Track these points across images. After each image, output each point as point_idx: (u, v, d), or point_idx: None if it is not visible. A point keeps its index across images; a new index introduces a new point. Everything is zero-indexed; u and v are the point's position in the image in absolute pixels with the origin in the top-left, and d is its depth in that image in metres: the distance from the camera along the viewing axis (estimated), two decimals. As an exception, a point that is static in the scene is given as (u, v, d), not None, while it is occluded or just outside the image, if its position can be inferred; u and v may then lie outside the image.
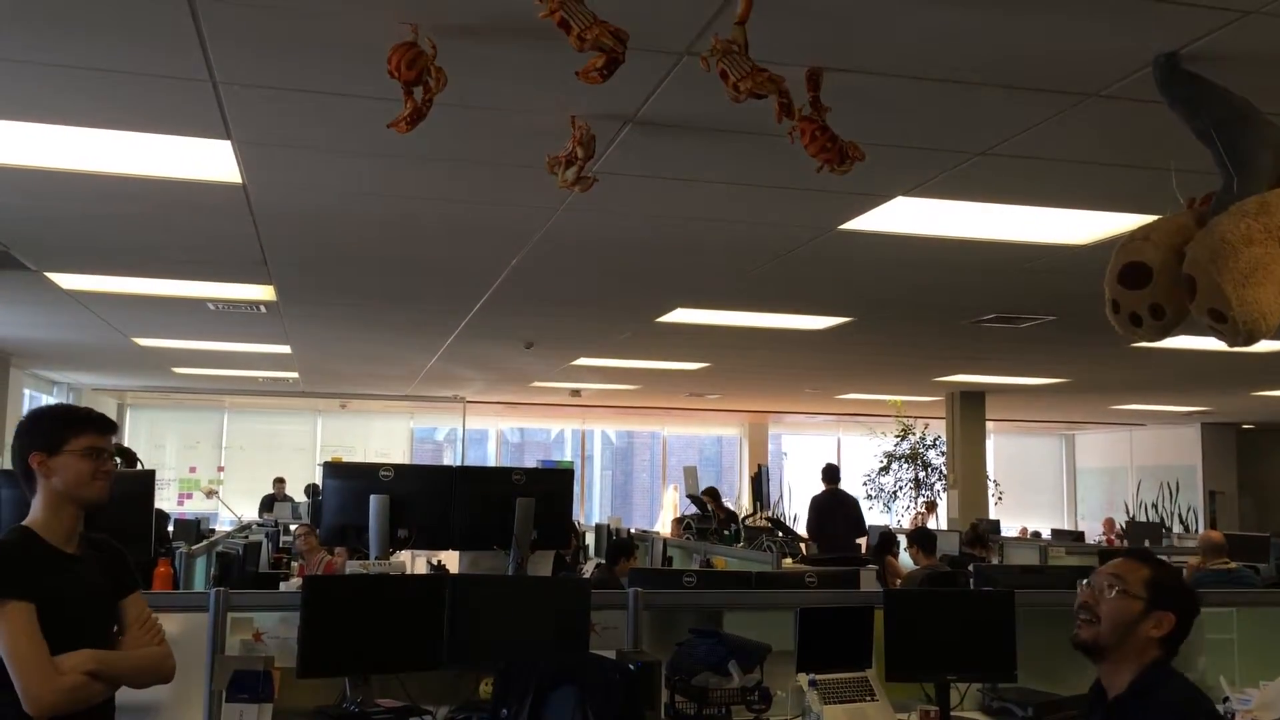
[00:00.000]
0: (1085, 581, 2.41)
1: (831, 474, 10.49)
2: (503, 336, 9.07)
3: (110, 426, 2.59)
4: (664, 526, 14.67)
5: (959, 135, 3.66)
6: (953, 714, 3.87)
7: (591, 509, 19.03)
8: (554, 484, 4.74)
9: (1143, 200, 4.35)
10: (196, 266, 6.28)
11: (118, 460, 2.64)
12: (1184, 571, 6.36)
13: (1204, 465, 17.49)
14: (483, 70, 3.14)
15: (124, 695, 2.58)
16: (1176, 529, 16.22)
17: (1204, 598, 5.14)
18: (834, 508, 10.13)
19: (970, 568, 6.12)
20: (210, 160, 4.09)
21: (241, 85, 3.33)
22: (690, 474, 11.90)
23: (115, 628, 2.54)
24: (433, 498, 4.47)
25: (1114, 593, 2.33)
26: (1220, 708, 4.01)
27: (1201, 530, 13.47)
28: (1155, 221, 2.87)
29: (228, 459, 16.60)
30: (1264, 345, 2.67)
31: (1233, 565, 7.10)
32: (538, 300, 7.19)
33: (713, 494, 10.66)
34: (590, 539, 10.46)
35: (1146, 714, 2.25)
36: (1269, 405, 13.89)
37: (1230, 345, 2.64)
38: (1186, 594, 2.38)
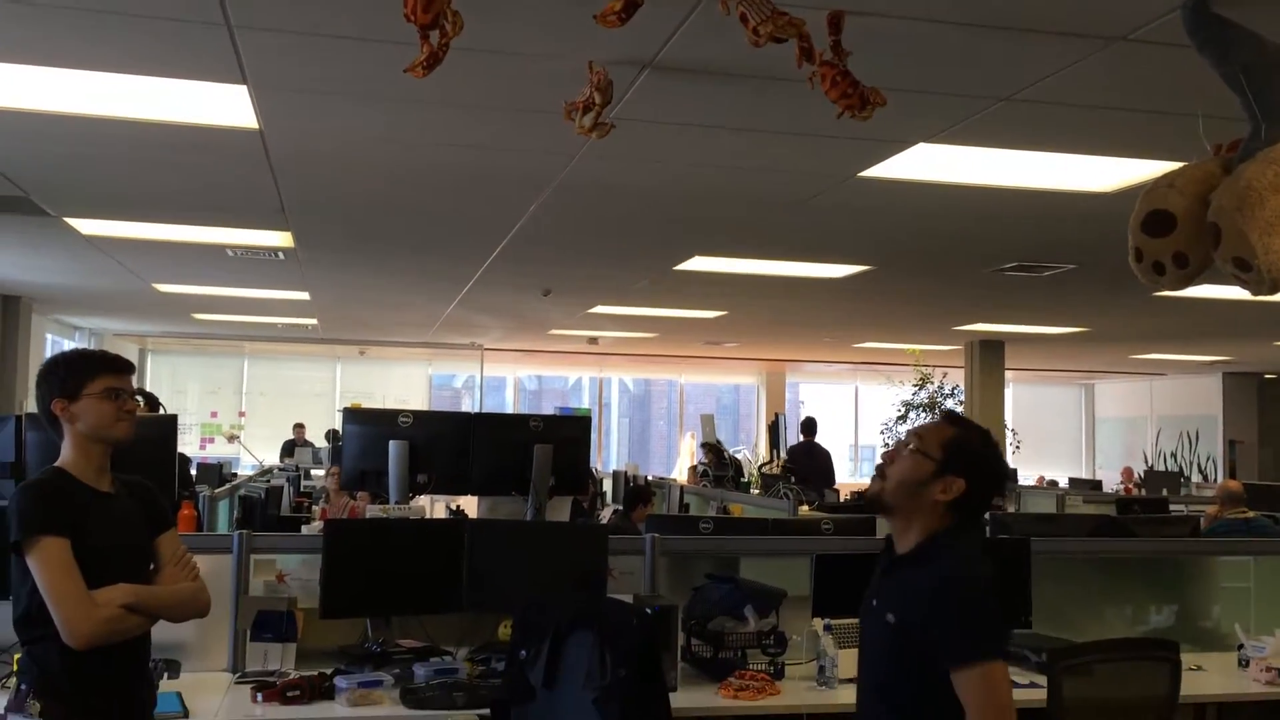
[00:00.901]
0: (898, 441, 2.34)
1: (808, 426, 11.36)
2: (520, 284, 9.07)
3: (127, 366, 2.62)
4: (681, 474, 14.76)
5: (982, 80, 3.60)
6: (966, 659, 3.89)
7: (609, 456, 19.13)
8: (572, 431, 4.77)
9: (1168, 147, 4.28)
10: (214, 212, 6.29)
11: (140, 400, 2.68)
12: (1201, 520, 6.36)
13: (1225, 415, 17.40)
14: (500, 14, 3.11)
15: (153, 633, 2.64)
16: (1195, 478, 16.19)
17: (1221, 546, 5.18)
18: (807, 460, 10.87)
19: (986, 515, 6.13)
20: (227, 105, 4.08)
21: (257, 29, 3.30)
22: (707, 422, 11.94)
23: (150, 565, 2.59)
24: (452, 443, 4.51)
25: (908, 450, 2.26)
26: (1235, 655, 4.05)
27: (1220, 480, 13.43)
28: (1181, 168, 2.82)
29: (248, 404, 16.74)
30: (1288, 294, 2.63)
31: (1250, 514, 7.08)
32: (555, 247, 7.17)
33: (714, 449, 10.70)
34: (608, 485, 10.54)
35: (917, 580, 2.19)
36: (1292, 355, 13.78)
37: (1255, 294, 2.60)
38: (985, 462, 2.26)
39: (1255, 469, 16.50)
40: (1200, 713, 4.14)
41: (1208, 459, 17.45)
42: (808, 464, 10.92)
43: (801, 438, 11.51)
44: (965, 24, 3.10)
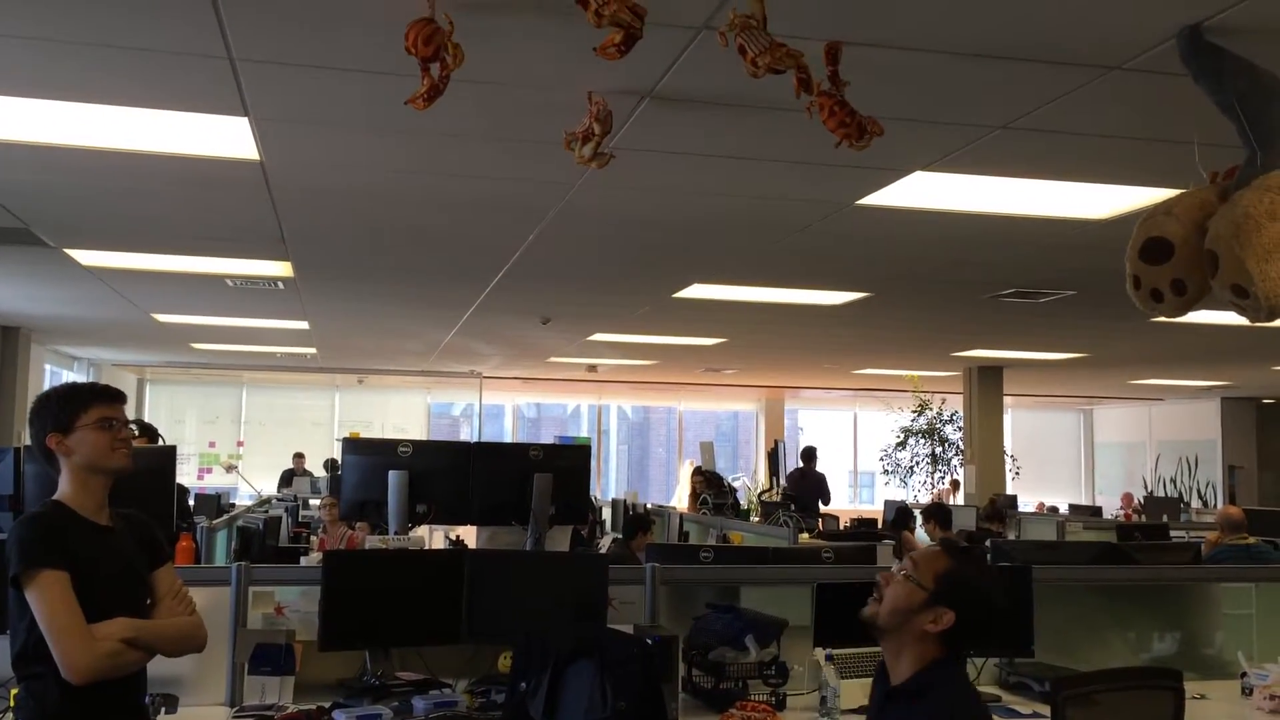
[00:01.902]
0: (897, 561, 2.35)
1: (808, 455, 12.26)
2: (519, 312, 9.08)
3: (118, 396, 2.60)
4: (680, 502, 14.72)
5: (979, 109, 3.62)
6: (969, 689, 3.87)
7: (608, 484, 19.09)
8: (571, 459, 4.77)
9: (1165, 174, 4.30)
10: (214, 243, 6.30)
11: (134, 429, 2.66)
12: (1202, 547, 6.34)
13: (1224, 440, 17.40)
14: (500, 46, 3.13)
15: (150, 668, 2.62)
16: (1195, 504, 16.17)
17: (1223, 573, 5.15)
18: (801, 483, 11.93)
19: (987, 543, 6.11)
20: (228, 137, 4.10)
21: (259, 62, 3.33)
22: (706, 449, 11.92)
23: (148, 600, 2.57)
24: (451, 473, 4.51)
25: (901, 576, 2.25)
26: (1239, 683, 4.02)
27: (1220, 505, 13.41)
28: (1178, 196, 2.84)
29: (247, 434, 16.73)
30: (1286, 321, 2.64)
31: (1251, 540, 7.07)
32: (554, 276, 7.19)
33: (708, 478, 10.69)
34: (607, 514, 10.50)
35: (917, 713, 2.18)
36: (1290, 380, 13.79)
37: (1252, 321, 2.61)
38: (976, 597, 2.24)
39: (1255, 494, 16.48)
40: (1205, 742, 4.11)
41: (1207, 484, 17.43)
42: (802, 486, 11.84)
43: (801, 464, 12.25)
44: (961, 54, 3.12)
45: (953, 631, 2.19)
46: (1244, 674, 4.03)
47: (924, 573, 2.23)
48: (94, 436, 2.49)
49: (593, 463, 15.84)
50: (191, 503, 7.75)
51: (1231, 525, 7.20)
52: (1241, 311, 2.61)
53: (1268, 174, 2.59)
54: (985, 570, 2.30)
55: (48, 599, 2.32)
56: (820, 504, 11.75)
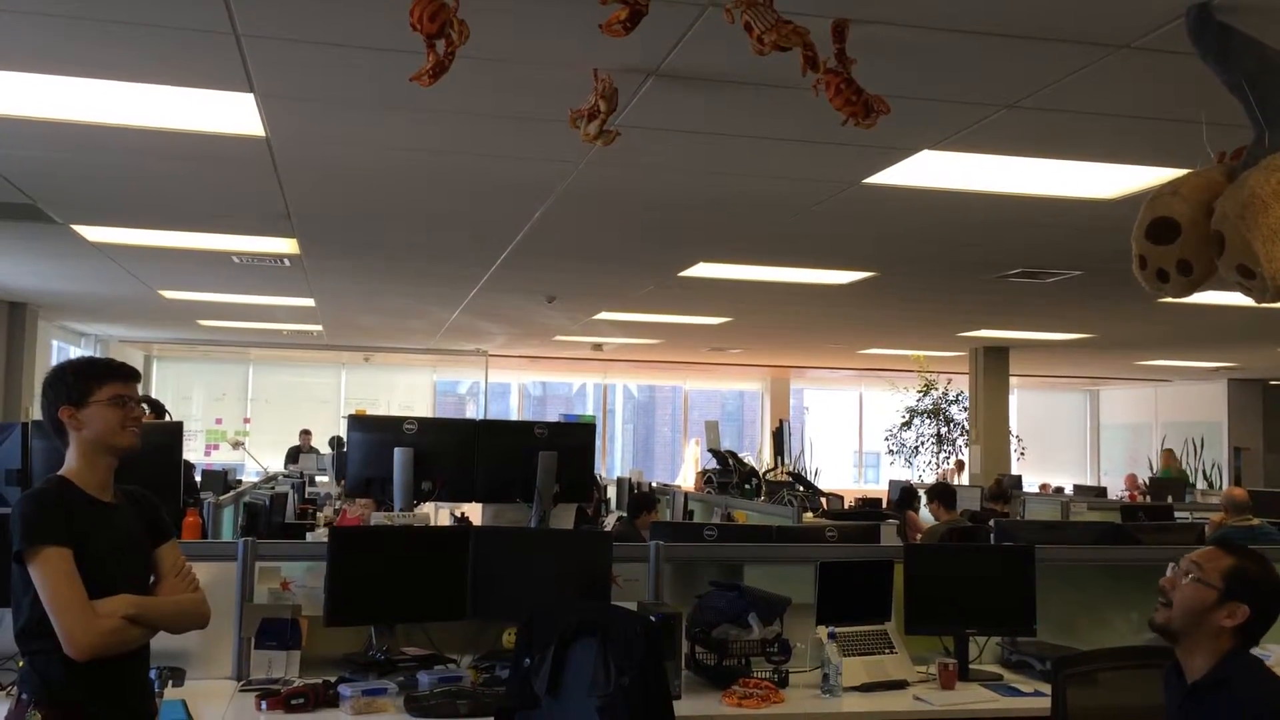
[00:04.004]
0: (1171, 564, 2.42)
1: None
2: (525, 290, 9.08)
3: (133, 375, 2.60)
4: (685, 480, 14.76)
5: (986, 88, 3.60)
6: (971, 667, 3.90)
7: (613, 462, 19.13)
8: (576, 438, 4.78)
9: (1172, 154, 4.28)
10: (220, 220, 6.30)
11: (145, 408, 2.67)
12: (1206, 528, 6.35)
13: (1230, 421, 17.38)
14: (505, 23, 3.12)
15: (156, 643, 2.64)
16: (1200, 485, 16.16)
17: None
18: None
19: (991, 523, 6.13)
20: (233, 114, 4.10)
21: (264, 38, 3.32)
22: (712, 428, 11.93)
23: (151, 577, 2.59)
24: (456, 451, 4.51)
25: (1189, 579, 2.34)
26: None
27: (1226, 487, 13.41)
28: (1184, 176, 2.82)
29: (253, 411, 16.78)
30: (1293, 301, 2.63)
31: (1255, 521, 7.07)
32: (560, 254, 7.18)
33: (721, 456, 10.71)
34: (612, 492, 10.53)
35: (1230, 703, 2.26)
36: (1297, 362, 13.75)
37: (1258, 302, 2.61)
38: (1266, 588, 2.35)
39: (1261, 476, 16.47)
40: (1206, 721, 4.12)
41: (1213, 466, 17.41)
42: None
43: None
44: (969, 32, 3.11)
45: (1247, 624, 2.32)
46: (1245, 654, 4.04)
47: (1210, 573, 2.34)
48: (106, 413, 2.49)
49: (598, 441, 15.88)
50: (198, 479, 7.78)
51: (1236, 507, 7.20)
52: (1247, 292, 2.60)
53: (1275, 154, 2.57)
54: (1265, 561, 2.40)
55: (51, 575, 2.34)
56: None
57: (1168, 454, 15.07)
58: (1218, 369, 15.82)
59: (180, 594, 2.58)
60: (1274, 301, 2.58)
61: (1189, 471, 17.23)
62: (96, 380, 2.51)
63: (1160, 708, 3.07)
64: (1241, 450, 17.23)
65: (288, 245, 7.06)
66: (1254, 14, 2.82)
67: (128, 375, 2.58)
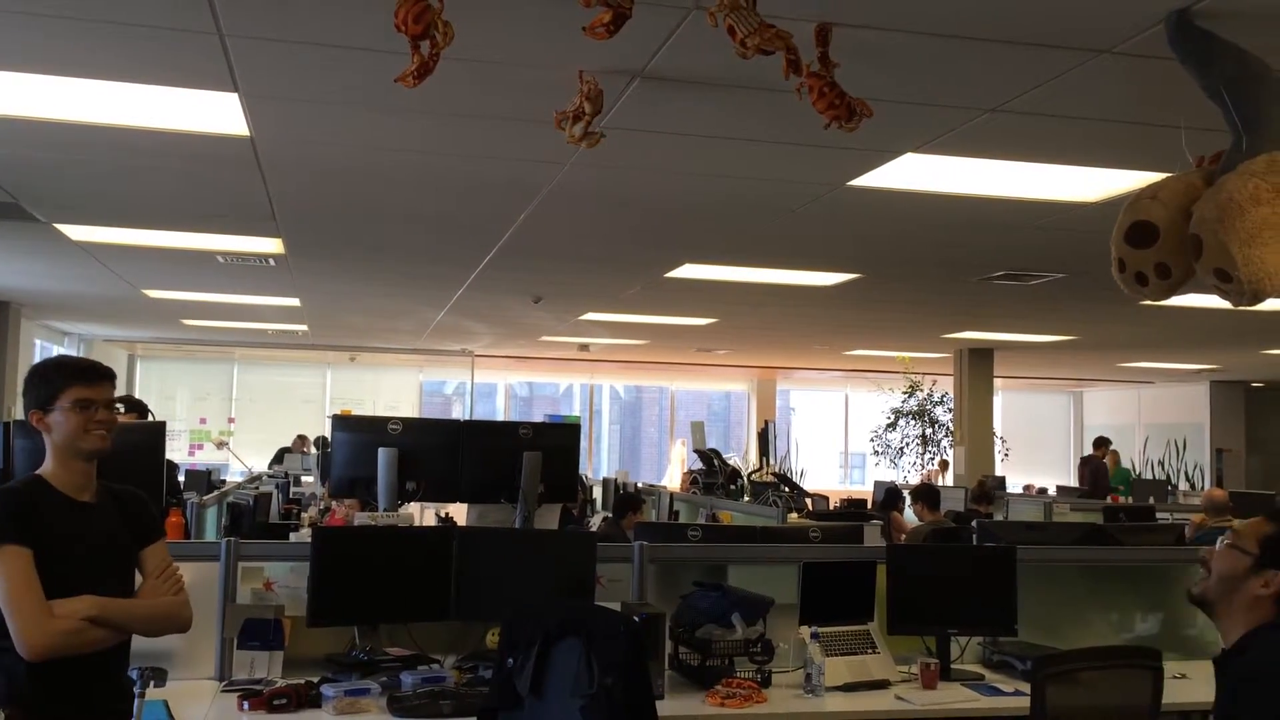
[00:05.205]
0: (1221, 538, 2.38)
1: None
2: (511, 291, 9.08)
3: (100, 376, 2.55)
4: (671, 481, 14.77)
5: (969, 92, 3.63)
6: (953, 666, 3.92)
7: (599, 463, 19.13)
8: (561, 438, 4.78)
9: (1152, 158, 4.32)
10: (205, 219, 6.29)
11: (120, 408, 2.66)
12: (1186, 529, 6.39)
13: (1212, 423, 17.49)
14: (490, 24, 3.12)
15: (138, 643, 2.63)
16: (1183, 486, 16.26)
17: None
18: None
19: (974, 523, 6.16)
20: (218, 113, 4.09)
21: (248, 38, 3.32)
22: (698, 429, 11.95)
23: (132, 577, 2.58)
24: (441, 451, 4.51)
25: (1224, 547, 2.30)
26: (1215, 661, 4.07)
27: (1207, 488, 13.51)
28: (1164, 180, 2.85)
29: (238, 410, 16.71)
30: (1274, 303, 2.67)
31: (1235, 523, 7.12)
32: (546, 255, 7.19)
33: (708, 457, 10.73)
34: (597, 493, 10.54)
35: (1243, 669, 2.20)
36: (1278, 364, 13.85)
37: (1235, 305, 2.63)
38: None
39: (1242, 477, 16.58)
40: (1184, 720, 4.16)
41: (1195, 467, 17.52)
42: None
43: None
44: (952, 36, 3.13)
45: None
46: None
47: (1247, 539, 2.29)
48: (70, 418, 2.47)
49: (584, 442, 15.88)
50: (181, 479, 7.75)
51: (1216, 508, 7.27)
52: (1225, 295, 2.63)
53: (1252, 159, 2.60)
54: None
55: (8, 574, 2.32)
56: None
57: (1112, 455, 15.18)
58: (1200, 371, 15.92)
59: (160, 596, 2.56)
60: (1251, 304, 2.60)
61: (1171, 472, 17.34)
62: (61, 384, 2.49)
63: (1138, 706, 3.10)
64: (1223, 452, 17.34)
65: (273, 245, 7.04)
66: (1233, 20, 2.85)
67: (93, 377, 2.53)
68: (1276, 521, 2.33)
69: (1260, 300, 2.55)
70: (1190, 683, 3.95)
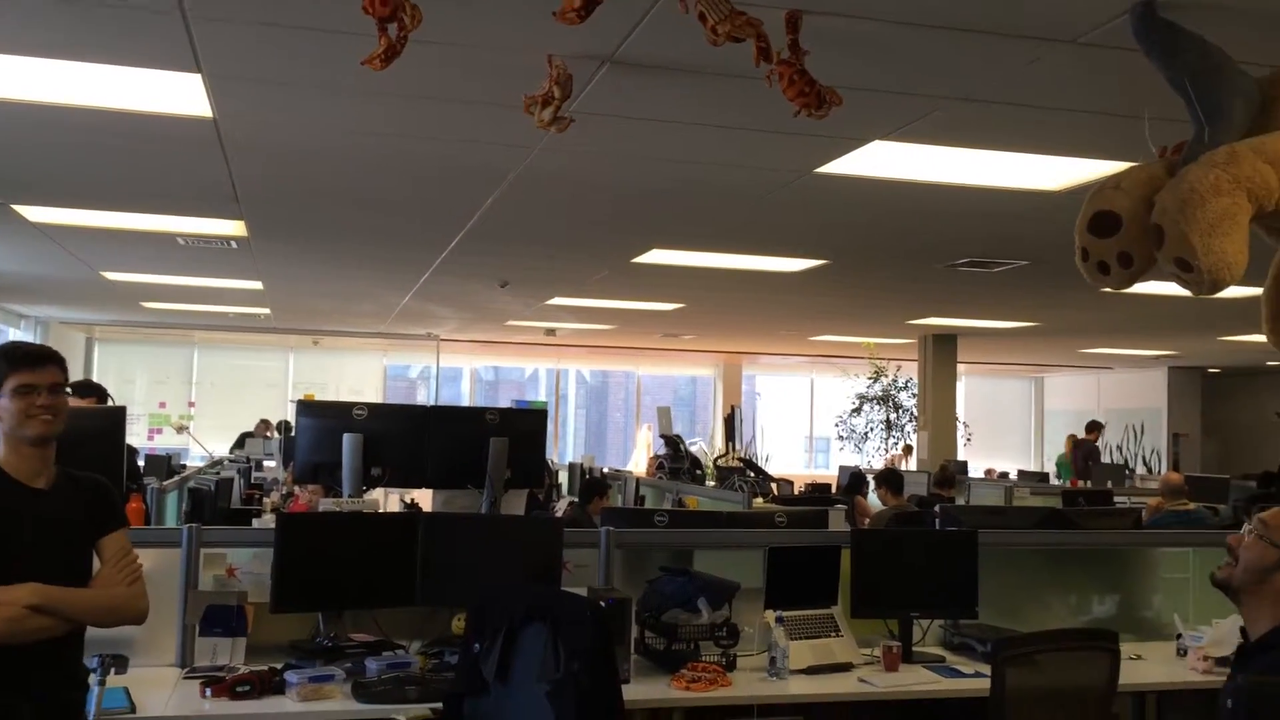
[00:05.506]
0: (1246, 523, 2.39)
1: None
2: (478, 275, 9.03)
3: (43, 360, 2.53)
4: (637, 466, 14.79)
5: (937, 80, 3.65)
6: (915, 649, 3.97)
7: (565, 448, 19.12)
8: (528, 424, 4.78)
9: (1117, 148, 4.36)
10: (166, 201, 6.20)
11: (68, 391, 2.61)
12: (1143, 512, 6.50)
13: (1169, 408, 17.78)
14: (459, 7, 3.10)
15: (100, 629, 2.60)
16: (1141, 470, 16.53)
17: (1162, 538, 5.28)
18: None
19: (936, 508, 6.23)
20: (180, 94, 4.02)
21: (212, 19, 3.26)
22: (664, 414, 11.97)
23: (91, 564, 2.55)
24: (407, 437, 4.50)
25: (1253, 537, 2.31)
26: (1174, 644, 4.15)
27: (1164, 472, 13.75)
28: (1127, 170, 2.88)
29: (198, 395, 16.52)
30: (1231, 291, 2.70)
31: (1191, 506, 7.26)
32: (513, 240, 7.15)
33: (673, 442, 10.75)
34: (564, 478, 10.54)
35: (1268, 664, 2.21)
36: (1235, 350, 14.09)
37: (1195, 294, 2.67)
38: None
39: (1198, 461, 16.87)
40: (1140, 701, 4.24)
41: (1152, 452, 17.80)
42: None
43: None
44: (921, 25, 3.14)
45: None
46: (1179, 636, 4.16)
47: (1275, 531, 2.29)
48: (12, 404, 2.45)
49: (550, 426, 15.85)
50: (141, 464, 7.66)
51: (1172, 491, 7.39)
52: (1185, 285, 2.66)
53: (1214, 150, 2.63)
54: None
55: None
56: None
57: (1069, 440, 15.45)
58: (1158, 357, 16.16)
59: (113, 586, 2.53)
60: (1210, 293, 2.64)
61: (1129, 457, 17.62)
62: (4, 371, 2.46)
63: (1095, 687, 3.16)
64: (1180, 436, 17.64)
65: (235, 227, 6.96)
66: (1197, 11, 2.88)
67: (35, 362, 2.50)
68: None
69: (1219, 289, 2.58)
70: (1146, 664, 4.02)
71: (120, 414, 4.41)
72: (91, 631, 2.61)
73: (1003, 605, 4.28)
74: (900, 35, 3.22)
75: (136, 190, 5.89)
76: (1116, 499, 8.87)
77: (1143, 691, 4.05)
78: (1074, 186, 5.01)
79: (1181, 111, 2.81)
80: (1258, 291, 3.11)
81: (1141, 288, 5.72)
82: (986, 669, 3.19)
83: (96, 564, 2.59)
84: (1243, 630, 2.35)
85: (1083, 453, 14.06)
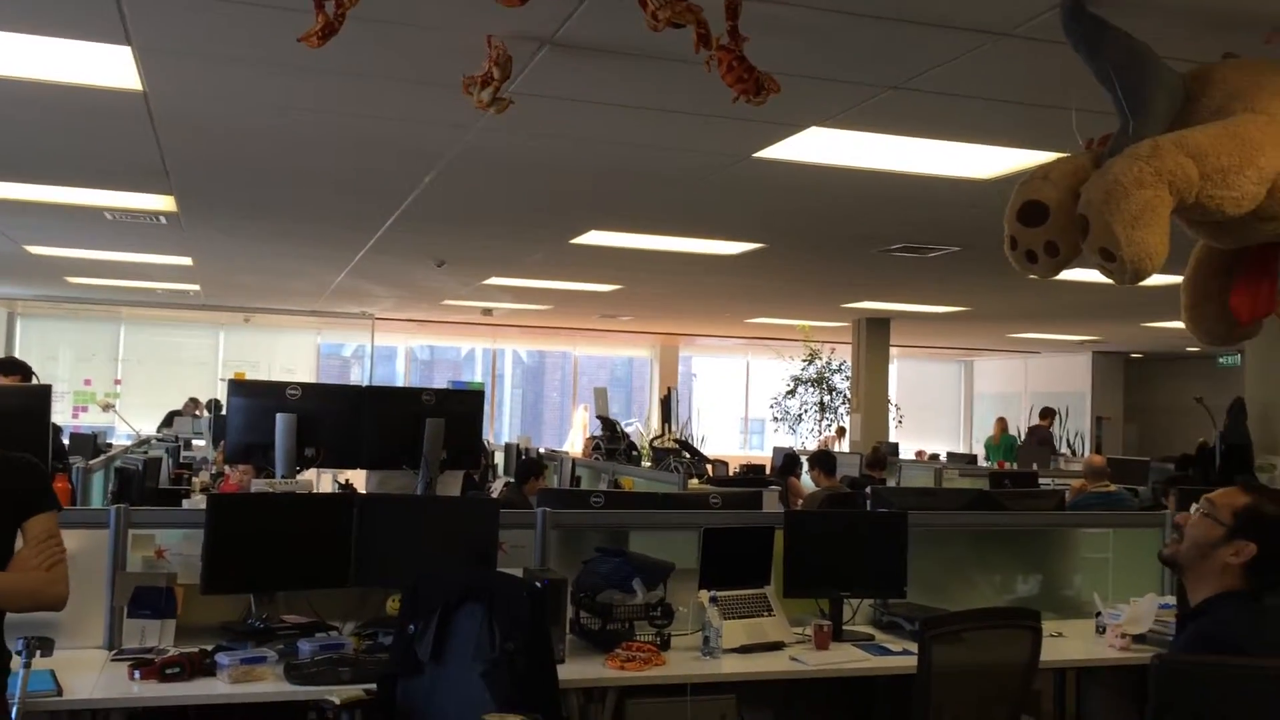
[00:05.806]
0: (1194, 504, 2.47)
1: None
2: (414, 254, 8.95)
3: None
4: (573, 447, 14.81)
5: (872, 69, 3.70)
6: (845, 628, 4.05)
7: (501, 428, 19.05)
8: (464, 405, 4.76)
9: (1046, 139, 4.46)
10: (93, 175, 6.04)
11: None
12: (1066, 494, 6.68)
13: (1093, 392, 18.25)
14: (396, -17, 3.06)
15: (26, 611, 2.55)
16: (1065, 452, 16.95)
17: (1083, 519, 5.44)
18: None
19: (867, 489, 6.34)
20: (109, 66, 3.92)
21: (140, -12, 3.19)
22: (600, 395, 11.99)
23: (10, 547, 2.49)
24: (341, 417, 4.46)
25: (1199, 515, 2.40)
26: (1094, 622, 4.29)
27: (1087, 454, 14.14)
28: (1054, 161, 2.95)
29: (124, 372, 16.14)
30: (1154, 280, 2.79)
31: (1112, 488, 7.47)
32: (451, 219, 7.10)
33: (609, 424, 10.77)
34: (499, 458, 10.51)
35: (1201, 628, 2.31)
36: (1157, 336, 14.50)
37: (1118, 283, 2.75)
38: (1277, 528, 2.34)
39: (1120, 444, 17.36)
40: (1060, 677, 4.38)
41: (1076, 434, 18.26)
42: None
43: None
44: (858, 14, 3.18)
45: (1254, 564, 2.31)
46: (1099, 614, 4.30)
47: (1221, 509, 2.36)
48: None
49: (486, 406, 15.78)
50: (66, 442, 7.48)
51: (1095, 473, 7.60)
52: (1108, 274, 2.74)
53: (1138, 143, 2.70)
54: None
55: None
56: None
57: (999, 423, 15.81)
58: (1083, 342, 16.57)
59: (28, 569, 2.47)
60: (1132, 283, 2.72)
61: (1054, 439, 18.06)
62: None
63: (1018, 663, 3.25)
64: (1103, 419, 18.12)
65: (164, 202, 6.81)
66: (1124, 7, 2.96)
67: None
68: (1251, 493, 2.44)
69: (1141, 279, 2.66)
70: (1066, 641, 4.15)
71: (46, 393, 4.32)
72: (16, 614, 2.56)
73: (931, 584, 4.39)
74: (837, 23, 3.26)
75: (62, 163, 5.73)
76: (1041, 481, 9.10)
77: (1063, 668, 4.19)
78: (1004, 175, 5.11)
79: (1108, 105, 2.88)
80: (1179, 280, 3.21)
81: (1068, 275, 5.87)
82: (914, 647, 3.26)
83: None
84: (1184, 603, 2.47)
85: (1037, 439, 14.35)
